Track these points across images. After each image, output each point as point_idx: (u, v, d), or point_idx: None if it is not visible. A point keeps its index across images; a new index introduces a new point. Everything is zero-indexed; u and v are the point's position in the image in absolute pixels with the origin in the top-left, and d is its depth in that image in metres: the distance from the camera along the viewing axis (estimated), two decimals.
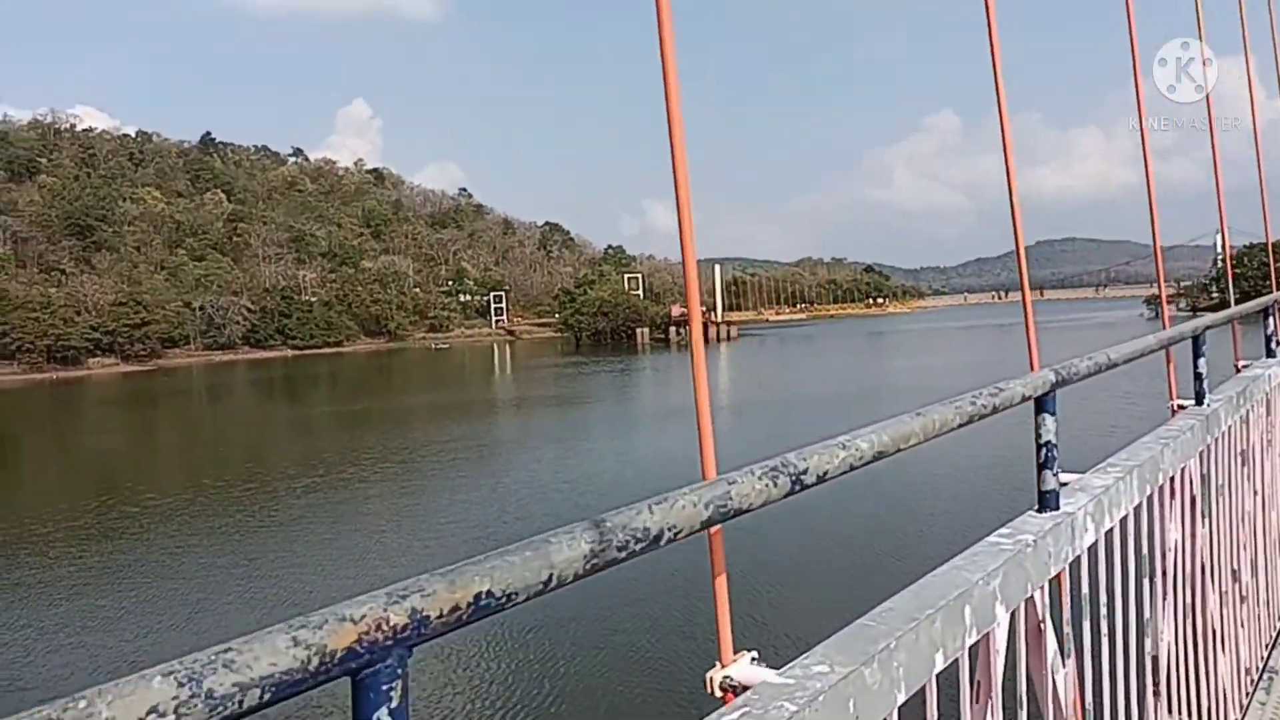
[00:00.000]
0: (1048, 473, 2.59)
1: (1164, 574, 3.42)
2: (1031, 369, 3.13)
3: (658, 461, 30.36)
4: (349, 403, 63.65)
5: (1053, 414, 2.58)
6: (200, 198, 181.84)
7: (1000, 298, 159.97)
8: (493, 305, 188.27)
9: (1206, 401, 4.17)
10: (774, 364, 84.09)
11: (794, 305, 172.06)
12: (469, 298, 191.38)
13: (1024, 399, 2.37)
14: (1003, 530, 2.41)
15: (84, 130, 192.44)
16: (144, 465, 42.46)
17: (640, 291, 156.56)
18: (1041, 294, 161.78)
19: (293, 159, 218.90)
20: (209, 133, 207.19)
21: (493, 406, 57.61)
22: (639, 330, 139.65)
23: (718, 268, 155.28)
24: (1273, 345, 6.04)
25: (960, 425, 2.04)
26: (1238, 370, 5.47)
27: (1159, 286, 5.47)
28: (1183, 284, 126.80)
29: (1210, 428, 3.97)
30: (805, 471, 1.54)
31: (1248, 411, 4.63)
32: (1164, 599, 3.42)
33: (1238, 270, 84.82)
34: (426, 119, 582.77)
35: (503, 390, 70.24)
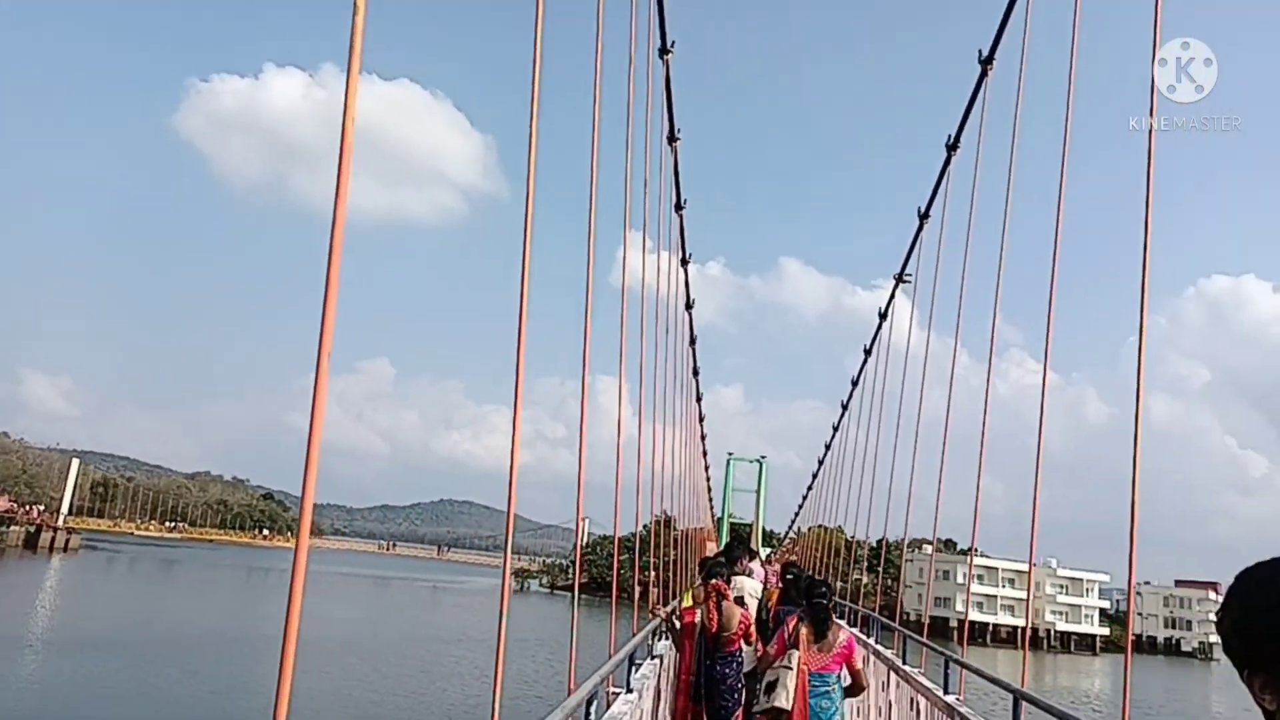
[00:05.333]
0: None
1: None
2: None
3: None
4: None
5: None
6: None
7: (390, 548, 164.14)
8: None
9: None
10: (114, 590, 70.43)
11: (167, 522, 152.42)
12: None
13: None
14: None
15: None
16: None
17: None
18: (393, 547, 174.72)
19: None
20: None
21: None
22: None
23: (76, 461, 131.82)
24: None
25: None
26: None
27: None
28: (548, 561, 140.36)
29: None
30: None
31: None
32: None
33: (591, 557, 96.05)
34: None
35: None
